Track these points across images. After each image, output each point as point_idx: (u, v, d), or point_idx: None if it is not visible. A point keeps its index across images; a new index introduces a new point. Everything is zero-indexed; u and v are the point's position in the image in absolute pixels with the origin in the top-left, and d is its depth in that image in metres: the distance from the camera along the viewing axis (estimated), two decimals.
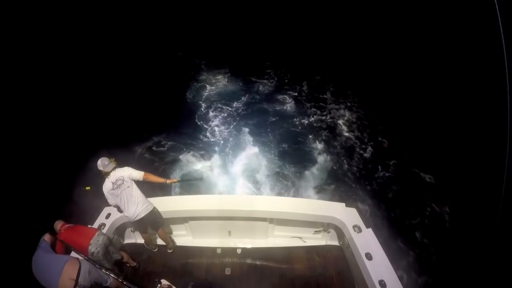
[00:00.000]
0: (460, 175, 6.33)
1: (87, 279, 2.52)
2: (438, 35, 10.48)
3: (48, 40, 12.11)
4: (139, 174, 3.39)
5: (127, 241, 4.06)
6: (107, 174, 3.32)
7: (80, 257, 2.68)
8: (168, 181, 3.50)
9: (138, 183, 3.46)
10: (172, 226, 4.07)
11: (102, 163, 3.29)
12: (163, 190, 6.39)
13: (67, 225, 3.06)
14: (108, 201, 3.41)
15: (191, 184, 6.85)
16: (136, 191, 3.39)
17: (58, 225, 3.05)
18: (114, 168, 3.36)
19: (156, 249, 3.83)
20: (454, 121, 7.72)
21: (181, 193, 6.54)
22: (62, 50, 11.91)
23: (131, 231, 4.01)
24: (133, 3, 15.53)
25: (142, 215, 3.35)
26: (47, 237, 2.78)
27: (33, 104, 9.05)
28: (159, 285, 2.24)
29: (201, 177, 7.16)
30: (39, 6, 13.03)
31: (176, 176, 7.31)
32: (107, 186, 3.32)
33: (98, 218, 3.68)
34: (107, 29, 13.47)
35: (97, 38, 13.01)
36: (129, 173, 3.38)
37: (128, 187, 3.33)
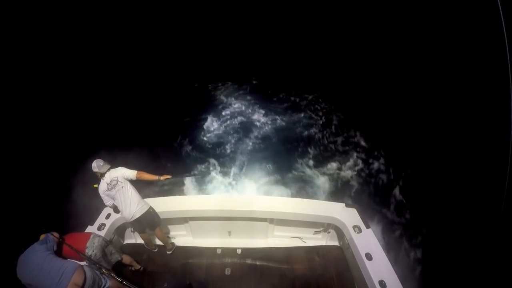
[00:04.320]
0: (461, 174, 6.33)
1: (90, 285, 2.54)
2: (439, 34, 10.49)
3: (51, 41, 12.10)
4: (132, 173, 3.38)
5: (127, 241, 4.06)
6: (102, 175, 3.33)
7: (82, 263, 2.68)
8: (161, 178, 3.48)
9: (134, 182, 3.45)
10: (172, 226, 4.07)
11: (97, 164, 3.31)
12: (163, 190, 6.42)
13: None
14: (104, 202, 3.41)
15: (188, 180, 6.78)
16: (131, 191, 3.37)
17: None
18: (108, 169, 3.36)
19: (156, 249, 3.82)
20: (455, 120, 7.72)
21: (181, 193, 6.53)
22: (64, 51, 11.89)
23: (131, 231, 4.00)
24: (139, 5, 15.51)
25: (137, 216, 3.34)
26: (55, 234, 2.75)
27: (33, 105, 9.04)
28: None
29: (195, 172, 7.11)
30: (47, 6, 13.01)
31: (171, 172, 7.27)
32: (102, 187, 3.32)
33: (98, 218, 3.67)
34: (110, 31, 13.45)
35: (100, 39, 13.00)
36: (123, 172, 3.38)
37: (122, 187, 3.33)
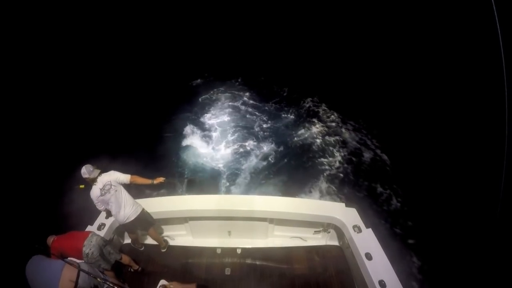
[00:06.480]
0: (460, 174, 6.33)
1: (86, 281, 2.48)
2: (436, 36, 10.49)
3: (50, 42, 12.13)
4: (126, 178, 3.34)
5: (127, 241, 4.05)
6: (94, 180, 3.23)
7: (77, 260, 2.67)
8: (155, 182, 3.44)
9: (126, 185, 3.42)
10: (172, 226, 4.07)
11: (87, 170, 3.19)
12: (163, 190, 6.42)
13: (59, 235, 3.06)
14: (97, 207, 3.36)
15: (192, 185, 6.82)
16: (124, 194, 3.36)
17: (50, 240, 3.02)
18: (100, 174, 3.27)
19: (143, 248, 3.84)
20: (453, 120, 7.73)
21: (180, 193, 6.53)
22: (62, 52, 11.92)
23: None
24: (137, 5, 15.50)
25: (132, 218, 3.35)
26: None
27: (29, 107, 9.06)
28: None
29: (190, 178, 7.03)
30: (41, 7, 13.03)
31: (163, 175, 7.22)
32: (95, 193, 3.23)
33: (98, 218, 3.68)
34: (105, 32, 13.45)
35: (96, 40, 13.01)
36: (116, 177, 3.32)
37: (116, 191, 3.29)
